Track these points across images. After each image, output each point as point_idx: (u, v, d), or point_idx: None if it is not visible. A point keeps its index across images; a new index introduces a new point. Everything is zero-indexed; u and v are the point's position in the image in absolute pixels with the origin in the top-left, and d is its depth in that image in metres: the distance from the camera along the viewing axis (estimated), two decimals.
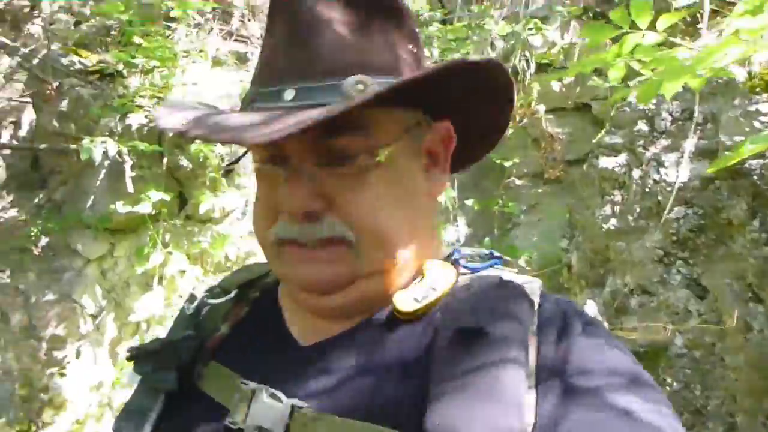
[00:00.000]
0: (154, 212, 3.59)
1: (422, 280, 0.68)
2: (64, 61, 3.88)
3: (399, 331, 0.66)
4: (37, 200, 4.24)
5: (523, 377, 0.55)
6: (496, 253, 0.74)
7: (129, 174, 3.52)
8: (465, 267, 0.72)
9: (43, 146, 3.94)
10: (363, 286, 0.67)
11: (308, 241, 0.65)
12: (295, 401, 0.63)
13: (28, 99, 4.11)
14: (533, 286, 0.66)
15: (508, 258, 0.75)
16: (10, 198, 4.34)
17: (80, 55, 3.91)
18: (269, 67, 0.66)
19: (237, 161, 0.82)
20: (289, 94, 0.63)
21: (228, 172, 3.56)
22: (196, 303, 0.82)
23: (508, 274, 0.69)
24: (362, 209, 0.64)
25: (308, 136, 0.58)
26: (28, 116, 4.27)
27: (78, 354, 4.02)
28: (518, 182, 3.51)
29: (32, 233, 4.00)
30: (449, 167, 0.75)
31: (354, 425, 0.59)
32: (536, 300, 0.64)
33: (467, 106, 0.72)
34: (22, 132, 4.30)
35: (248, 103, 0.67)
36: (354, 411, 0.60)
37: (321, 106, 0.60)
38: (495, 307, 0.61)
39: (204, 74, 3.86)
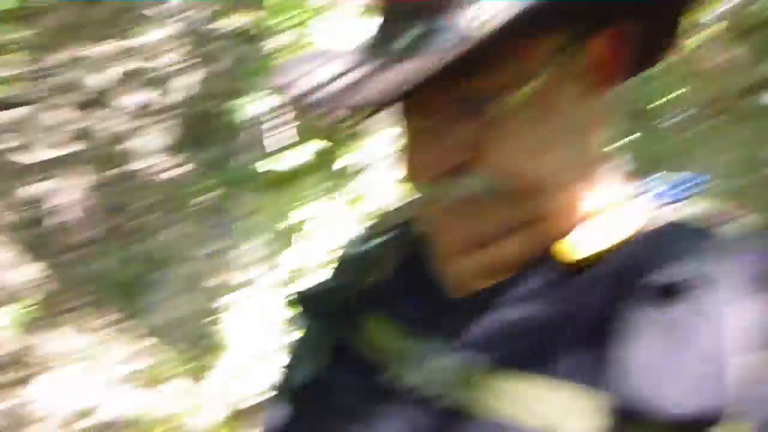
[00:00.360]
0: (305, 164, 3.75)
1: (595, 223, 0.60)
2: (213, 25, 4.09)
3: (569, 283, 0.58)
4: (195, 160, 4.55)
5: (727, 340, 0.47)
6: (698, 178, 0.62)
7: (278, 130, 3.67)
8: (654, 200, 0.61)
9: (200, 107, 4.20)
10: (516, 240, 0.61)
11: (450, 197, 0.59)
12: (466, 357, 0.58)
13: (186, 62, 4.38)
14: (737, 233, 0.55)
15: (710, 179, 0.63)
16: (170, 158, 4.68)
17: (228, 18, 4.11)
18: (383, 9, 0.61)
19: (369, 116, 0.75)
20: (403, 39, 0.56)
21: (354, 125, 3.58)
22: (351, 249, 0.80)
23: (708, 214, 0.58)
24: (506, 159, 0.57)
25: (433, 85, 0.51)
26: (185, 79, 4.56)
27: (239, 301, 4.34)
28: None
29: (193, 190, 4.32)
30: (624, 78, 0.63)
31: (534, 382, 0.53)
32: (739, 253, 0.52)
33: (637, 6, 0.59)
34: (179, 95, 4.59)
35: (365, 50, 0.61)
36: (524, 367, 0.54)
37: (441, 49, 0.53)
38: (692, 258, 0.52)
39: (338, 28, 3.91)
